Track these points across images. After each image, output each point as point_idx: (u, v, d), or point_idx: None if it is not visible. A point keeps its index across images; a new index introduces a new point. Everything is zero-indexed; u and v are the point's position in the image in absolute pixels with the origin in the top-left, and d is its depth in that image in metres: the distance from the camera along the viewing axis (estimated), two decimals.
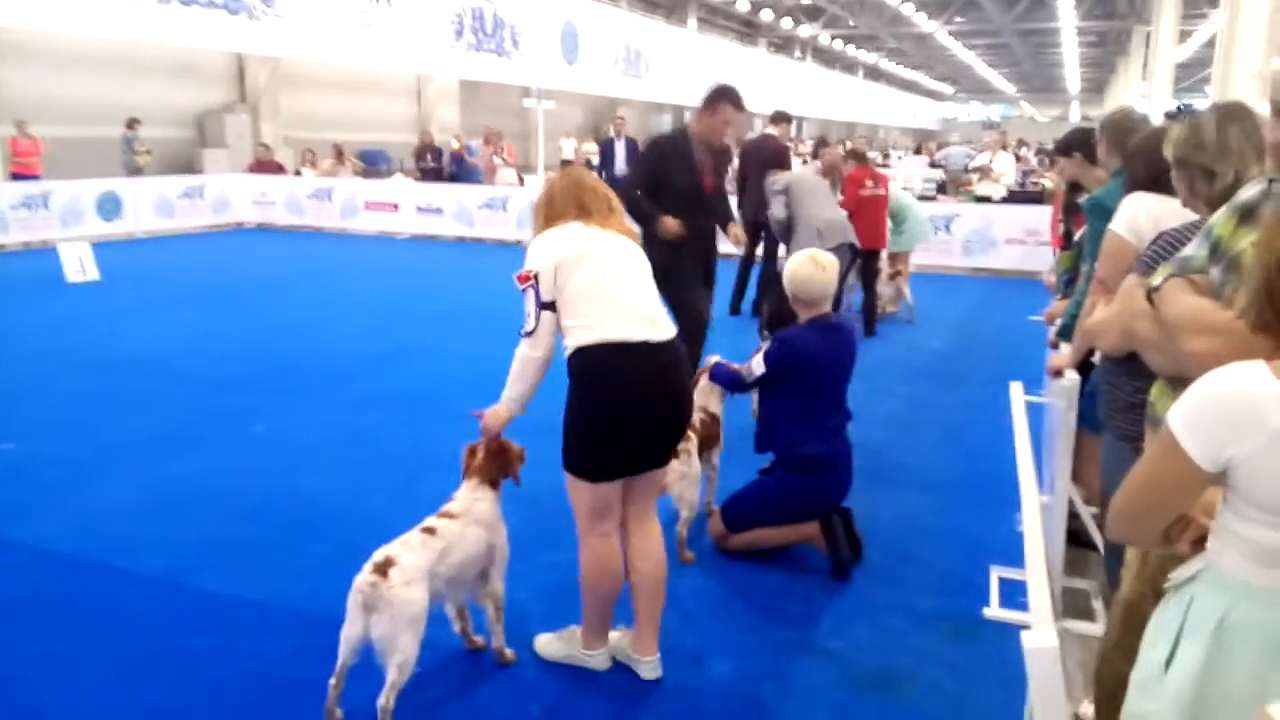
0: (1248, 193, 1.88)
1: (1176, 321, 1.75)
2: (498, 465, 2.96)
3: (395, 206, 15.46)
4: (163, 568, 3.64)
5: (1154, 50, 25.44)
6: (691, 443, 3.82)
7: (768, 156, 8.33)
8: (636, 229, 3.00)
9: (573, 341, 2.72)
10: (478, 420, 2.94)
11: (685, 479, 3.77)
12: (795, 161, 10.75)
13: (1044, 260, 10.82)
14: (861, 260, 7.78)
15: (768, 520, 3.76)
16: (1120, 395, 2.65)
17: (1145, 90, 26.47)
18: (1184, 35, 28.96)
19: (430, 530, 2.73)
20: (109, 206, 14.09)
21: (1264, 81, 13.92)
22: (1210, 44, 29.09)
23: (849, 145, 11.53)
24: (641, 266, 2.86)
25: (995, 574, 3.77)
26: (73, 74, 15.89)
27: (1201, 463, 1.36)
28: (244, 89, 19.77)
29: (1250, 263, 1.54)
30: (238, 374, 6.58)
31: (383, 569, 2.55)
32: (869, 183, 8.18)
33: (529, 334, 2.74)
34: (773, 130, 9.10)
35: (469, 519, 2.83)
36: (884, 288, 8.85)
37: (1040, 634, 1.41)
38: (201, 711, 2.76)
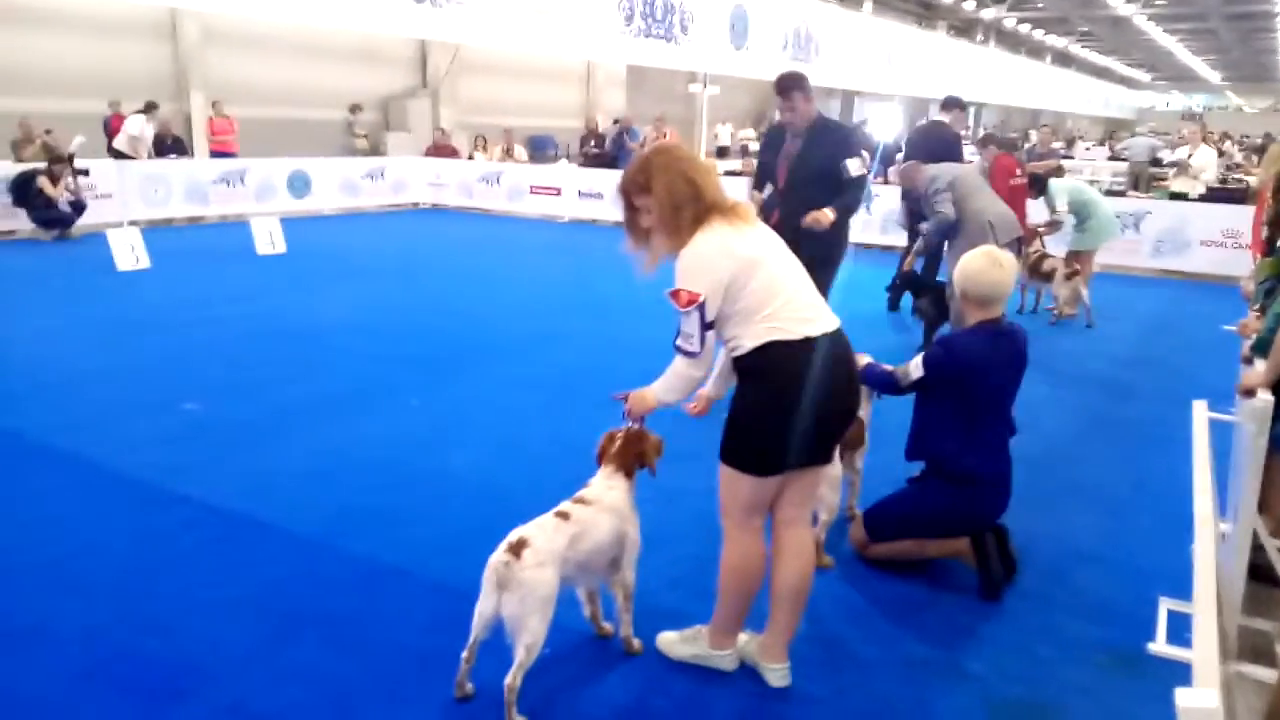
0: None
1: None
2: (634, 454, 2.94)
3: (558, 191, 15.78)
4: (317, 531, 3.83)
5: None
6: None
7: (936, 146, 7.94)
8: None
9: (752, 342, 2.64)
10: (621, 403, 2.92)
11: (827, 481, 3.63)
12: (967, 151, 10.25)
13: (1243, 265, 9.92)
14: None
15: (915, 532, 3.58)
16: None
17: None
18: None
19: (564, 515, 2.74)
20: (299, 184, 15.03)
21: None
22: None
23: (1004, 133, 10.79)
24: (794, 258, 2.76)
25: (1164, 605, 3.46)
26: (266, 57, 17.01)
27: None
28: (425, 75, 20.63)
29: None
30: (399, 348, 6.88)
31: (516, 550, 2.58)
32: (1018, 172, 7.88)
33: (693, 355, 2.66)
34: (944, 117, 8.67)
35: (602, 506, 2.82)
36: (1061, 288, 8.32)
37: (1200, 694, 1.25)
38: (342, 674, 2.88)
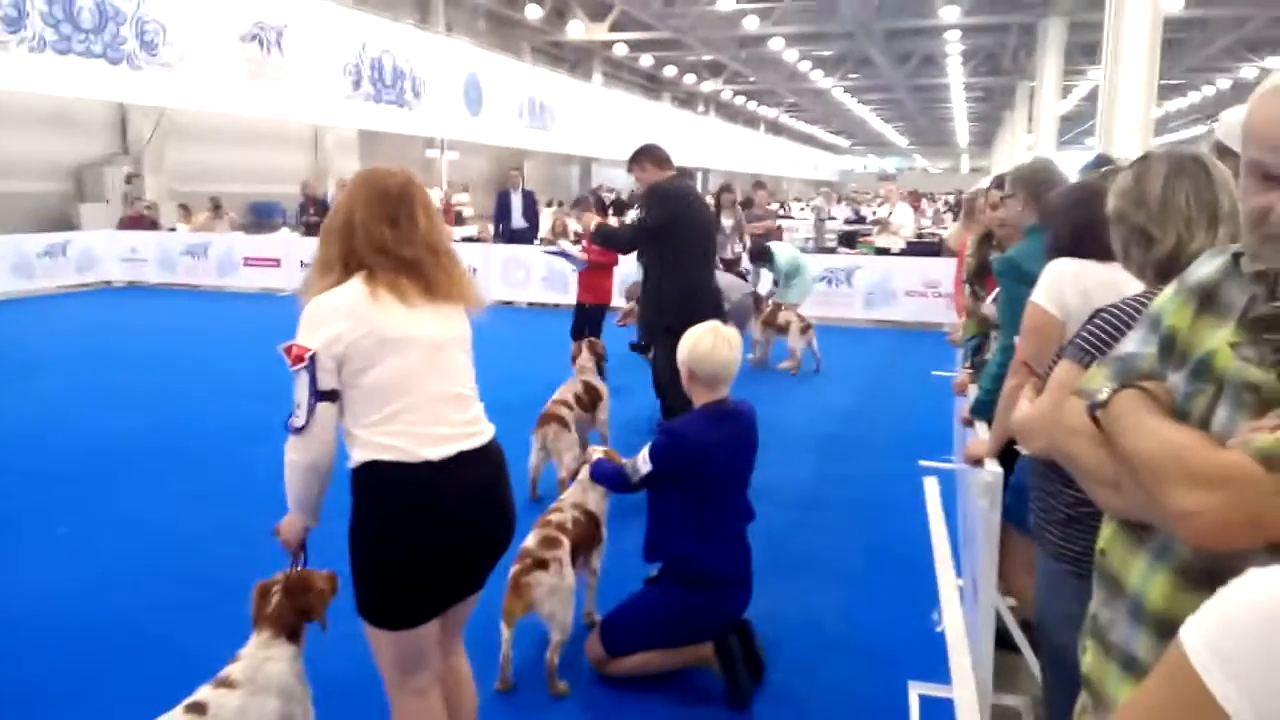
0: (1203, 270, 1.36)
1: (1151, 462, 1.22)
2: (296, 609, 2.34)
3: (277, 261, 14.57)
4: None
5: (1038, 104, 26.39)
6: (563, 549, 3.25)
7: None
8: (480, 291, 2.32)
9: (361, 455, 2.11)
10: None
11: (557, 594, 3.16)
12: None
13: (943, 313, 10.69)
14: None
15: (654, 642, 3.19)
16: (1056, 506, 2.18)
17: (1030, 142, 27.40)
18: (1066, 90, 30.25)
19: (198, 708, 2.10)
20: None
21: (1145, 133, 14.30)
22: (1090, 97, 30.51)
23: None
24: (460, 351, 2.25)
25: (915, 691, 3.30)
26: None
27: None
28: (126, 141, 18.62)
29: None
30: (54, 460, 5.72)
31: None
32: None
33: (299, 431, 2.08)
34: None
35: (255, 686, 2.20)
36: (797, 341, 8.55)
37: None
38: None
